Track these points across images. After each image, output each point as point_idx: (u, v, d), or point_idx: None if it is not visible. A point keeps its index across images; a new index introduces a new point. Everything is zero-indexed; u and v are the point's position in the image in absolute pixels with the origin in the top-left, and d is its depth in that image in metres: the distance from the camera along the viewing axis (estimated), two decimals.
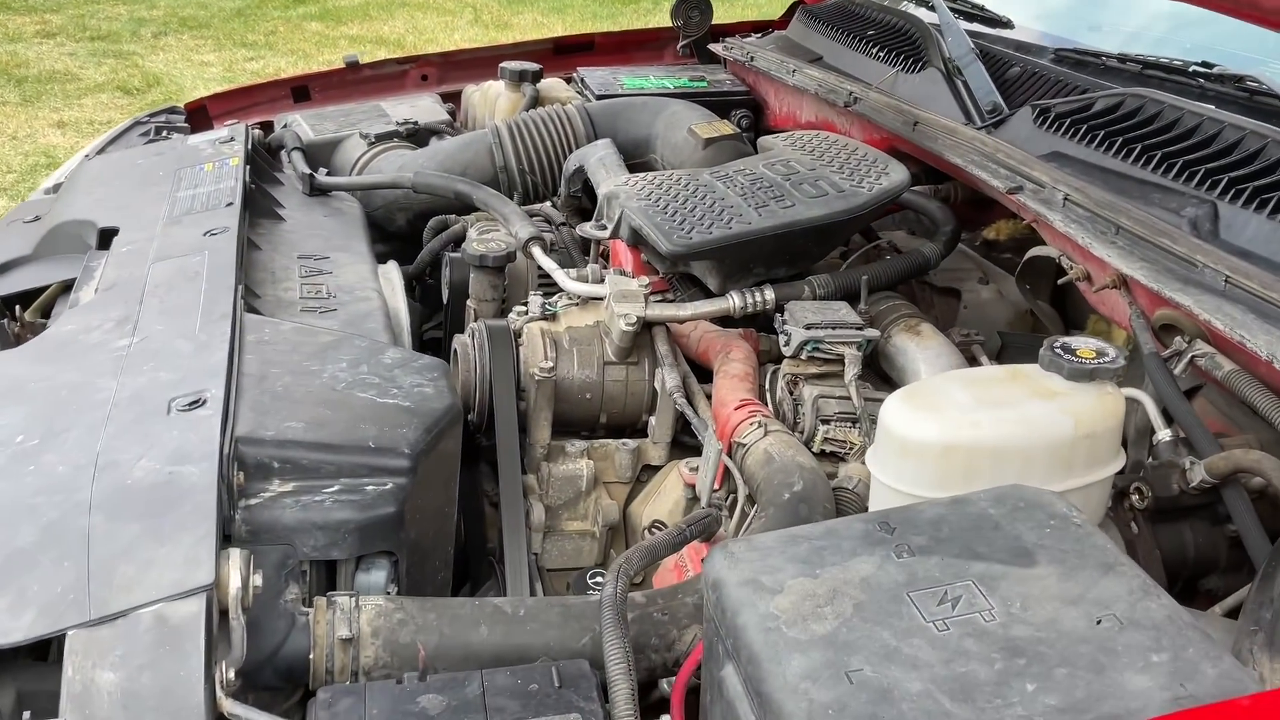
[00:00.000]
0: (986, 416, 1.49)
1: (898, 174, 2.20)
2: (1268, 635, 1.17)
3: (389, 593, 1.51)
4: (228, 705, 1.17)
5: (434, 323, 2.75)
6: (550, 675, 1.31)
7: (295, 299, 2.03)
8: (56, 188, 2.67)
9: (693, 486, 1.94)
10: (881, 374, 2.12)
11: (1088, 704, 1.04)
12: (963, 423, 1.49)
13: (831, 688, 1.07)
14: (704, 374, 2.14)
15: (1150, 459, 1.70)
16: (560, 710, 1.26)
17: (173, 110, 3.24)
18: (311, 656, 1.37)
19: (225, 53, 10.21)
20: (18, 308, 2.07)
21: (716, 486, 1.88)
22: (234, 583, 1.25)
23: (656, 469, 2.10)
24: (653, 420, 2.08)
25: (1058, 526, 1.28)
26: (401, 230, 2.82)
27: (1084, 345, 1.56)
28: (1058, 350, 1.55)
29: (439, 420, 1.60)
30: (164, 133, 3.04)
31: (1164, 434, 1.69)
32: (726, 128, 2.56)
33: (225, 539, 1.39)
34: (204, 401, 1.48)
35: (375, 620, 1.39)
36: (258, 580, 1.29)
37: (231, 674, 1.21)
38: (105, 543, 1.27)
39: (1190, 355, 1.71)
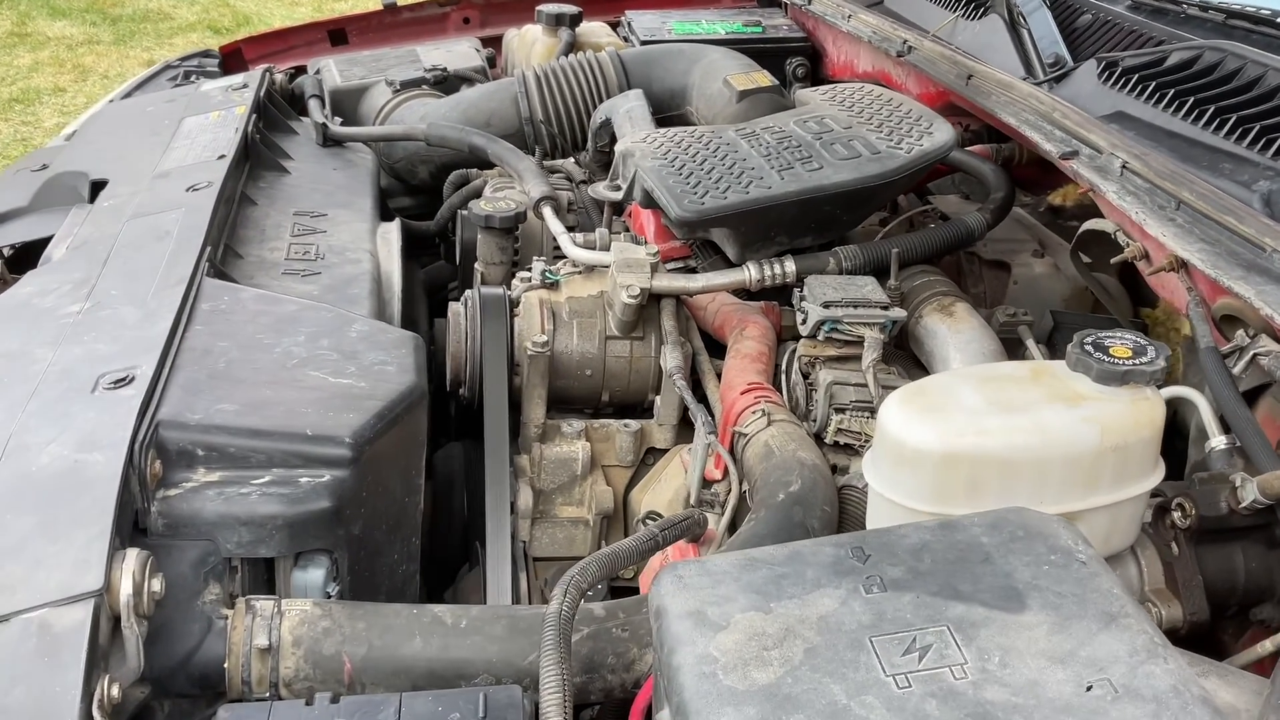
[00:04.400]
0: (996, 423, 1.30)
1: (942, 134, 1.99)
2: None
3: (329, 593, 1.39)
4: None
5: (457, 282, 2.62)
6: (476, 703, 1.17)
7: (280, 260, 1.91)
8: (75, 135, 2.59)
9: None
10: (916, 359, 1.93)
11: None
12: (968, 429, 1.30)
13: None
14: (722, 349, 1.97)
15: (1198, 471, 1.49)
16: None
17: (206, 54, 3.14)
18: (226, 665, 1.25)
19: None
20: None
21: (720, 478, 1.72)
22: (126, 588, 1.13)
23: (664, 452, 1.95)
24: (659, 400, 1.92)
25: (1058, 563, 1.09)
26: (424, 183, 2.70)
27: (1119, 342, 1.35)
28: (1087, 347, 1.34)
29: (395, 404, 1.46)
30: (193, 77, 2.94)
31: (1217, 441, 1.49)
32: (764, 79, 2.36)
33: (141, 533, 1.28)
34: (131, 379, 1.37)
35: (298, 628, 1.27)
36: (156, 585, 1.17)
37: (115, 690, 1.10)
38: None
39: (1252, 352, 1.49)
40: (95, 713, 1.06)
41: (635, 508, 1.91)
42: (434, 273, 2.67)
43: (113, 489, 1.19)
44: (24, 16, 9.10)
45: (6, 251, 2.02)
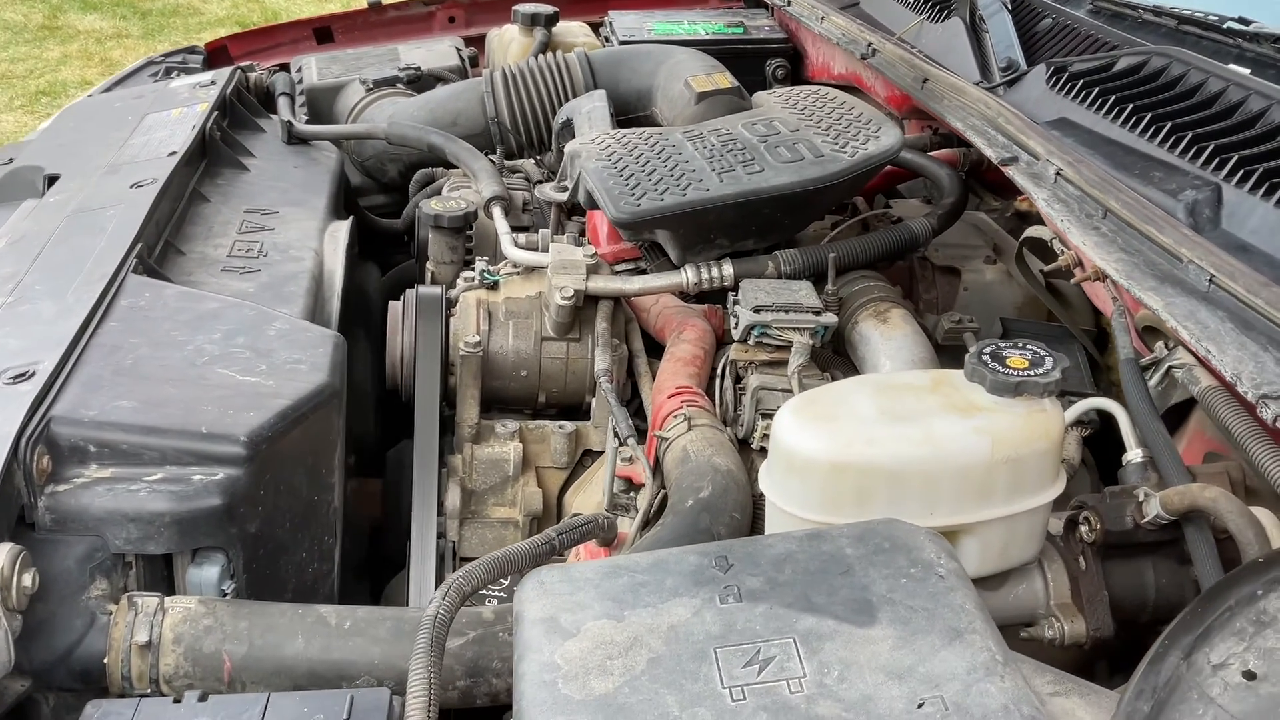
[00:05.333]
0: (886, 433, 1.28)
1: (888, 138, 1.96)
2: None
3: (224, 590, 1.39)
4: None
5: None
6: (343, 705, 1.17)
7: (222, 257, 1.92)
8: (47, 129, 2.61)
9: (625, 479, 1.78)
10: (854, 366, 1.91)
11: None
12: (856, 438, 1.28)
13: None
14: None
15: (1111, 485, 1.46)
16: None
17: (191, 50, 3.16)
18: (106, 661, 1.26)
19: None
20: None
21: (639, 483, 1.71)
22: None
23: (600, 454, 1.94)
24: (595, 402, 1.92)
25: (917, 576, 1.08)
26: (394, 181, 2.71)
27: (1018, 353, 1.33)
28: (984, 357, 1.33)
29: (301, 403, 1.47)
30: (175, 73, 2.96)
31: (1133, 454, 1.46)
32: (725, 81, 2.34)
33: (29, 527, 1.29)
34: (31, 374, 1.38)
35: (179, 625, 1.27)
36: (28, 580, 1.18)
37: None
38: None
39: (1168, 365, 1.46)
40: None
41: (569, 510, 1.90)
42: (406, 271, 2.67)
43: None
44: (56, 10, 9.22)
45: None
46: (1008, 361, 1.32)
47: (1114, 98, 1.77)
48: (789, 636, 1.03)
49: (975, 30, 2.21)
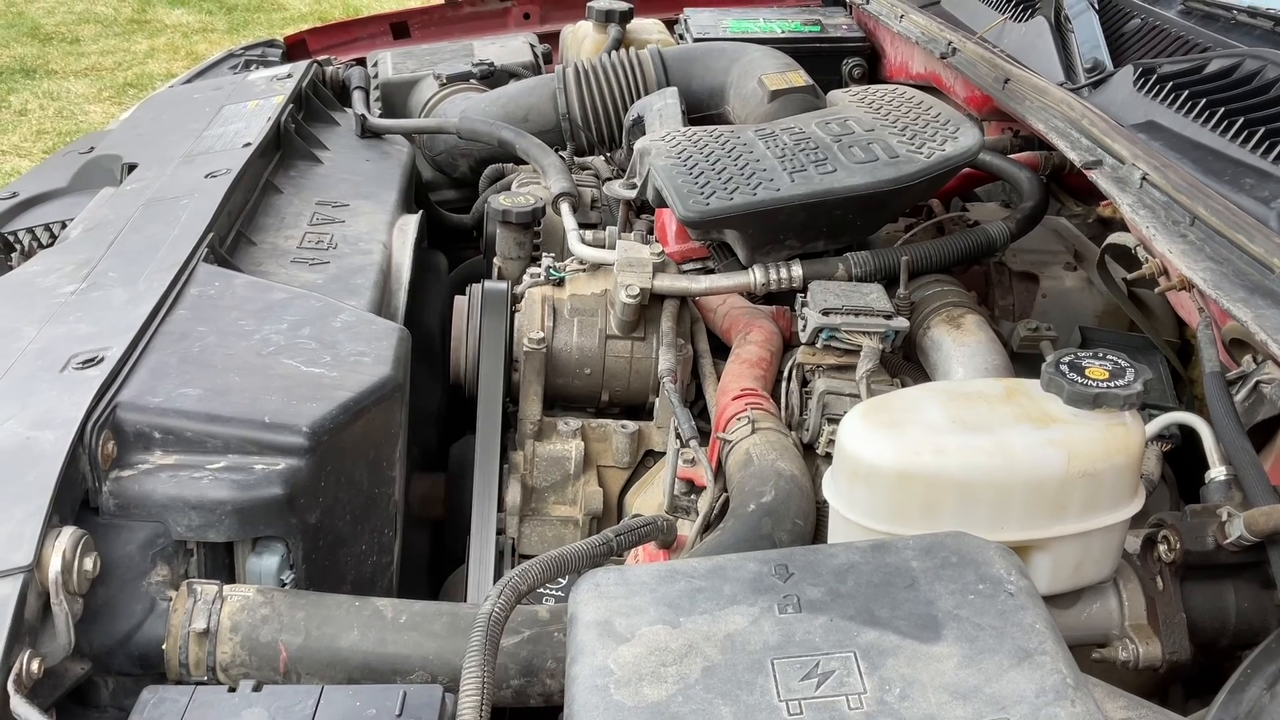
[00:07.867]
0: (956, 442, 1.24)
1: (967, 139, 1.91)
2: None
3: (283, 580, 1.39)
4: (14, 704, 1.07)
5: None
6: (395, 700, 1.16)
7: (293, 248, 1.93)
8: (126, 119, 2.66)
9: (687, 481, 1.75)
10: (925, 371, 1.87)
11: None
12: (924, 447, 1.24)
13: None
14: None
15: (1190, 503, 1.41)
16: None
17: (270, 44, 3.20)
18: (165, 647, 1.27)
19: None
20: (25, 240, 2.05)
21: (701, 485, 1.69)
22: (55, 565, 1.15)
23: (663, 455, 1.92)
24: (658, 402, 1.89)
25: (985, 593, 1.04)
26: (465, 177, 2.71)
27: (1098, 363, 1.28)
28: (1062, 367, 1.28)
29: (364, 396, 1.46)
30: (253, 66, 3.00)
31: (1216, 472, 1.40)
32: (799, 79, 2.31)
33: (94, 512, 1.30)
34: (100, 360, 1.39)
35: (237, 614, 1.27)
36: (89, 563, 1.19)
37: (35, 665, 1.11)
38: None
39: (1255, 380, 1.40)
40: (10, 687, 1.08)
41: (629, 511, 1.88)
42: (475, 265, 2.68)
43: (56, 467, 1.21)
44: (144, 3, 9.44)
45: (39, 231, 2.08)
46: (1086, 372, 1.27)
47: (1205, 101, 1.70)
48: (849, 650, 1.00)
49: (1060, 30, 2.15)
